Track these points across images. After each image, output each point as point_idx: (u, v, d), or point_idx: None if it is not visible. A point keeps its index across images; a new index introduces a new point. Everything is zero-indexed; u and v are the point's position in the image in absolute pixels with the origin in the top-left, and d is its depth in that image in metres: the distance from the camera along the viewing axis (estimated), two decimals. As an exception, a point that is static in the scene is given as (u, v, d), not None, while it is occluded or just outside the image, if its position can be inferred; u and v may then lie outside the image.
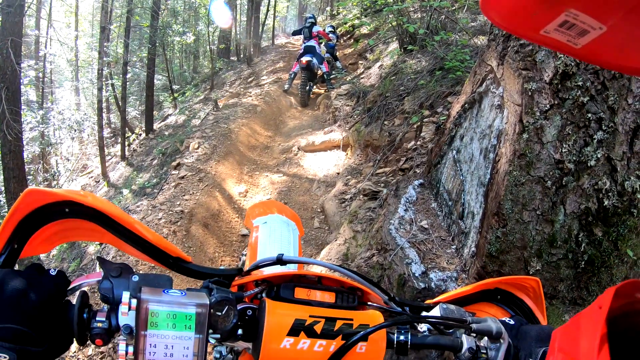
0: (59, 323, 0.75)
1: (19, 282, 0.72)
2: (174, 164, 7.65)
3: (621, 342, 0.54)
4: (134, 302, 0.76)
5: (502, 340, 0.89)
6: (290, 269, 1.14)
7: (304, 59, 10.00)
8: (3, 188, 7.98)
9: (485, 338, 0.91)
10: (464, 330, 0.92)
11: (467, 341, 0.90)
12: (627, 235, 2.34)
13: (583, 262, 2.36)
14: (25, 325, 0.69)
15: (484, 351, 0.90)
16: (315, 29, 11.13)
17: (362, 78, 9.42)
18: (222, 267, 1.00)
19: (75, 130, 16.56)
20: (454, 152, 3.19)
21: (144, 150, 11.41)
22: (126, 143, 12.10)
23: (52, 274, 0.79)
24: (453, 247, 2.99)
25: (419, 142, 5.05)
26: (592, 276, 2.40)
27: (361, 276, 0.97)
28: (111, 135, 16.55)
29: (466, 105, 3.07)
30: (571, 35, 0.44)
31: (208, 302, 0.80)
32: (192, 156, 7.73)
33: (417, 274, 2.78)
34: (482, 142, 2.74)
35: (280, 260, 0.99)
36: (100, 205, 0.83)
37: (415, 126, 5.28)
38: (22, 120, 8.09)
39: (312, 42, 10.68)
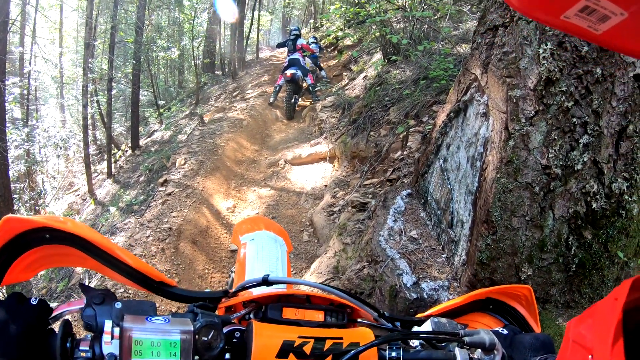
0: (41, 353, 0.74)
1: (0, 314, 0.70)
2: (161, 180, 7.59)
3: (635, 335, 0.54)
4: (117, 330, 0.74)
5: (495, 352, 0.88)
6: (279, 288, 1.13)
7: (289, 72, 10.04)
8: (-11, 207, 7.87)
9: (479, 350, 0.89)
10: (457, 344, 0.91)
11: (460, 354, 0.89)
12: (616, 237, 2.36)
13: (574, 266, 2.37)
14: (7, 356, 0.68)
15: None
16: (299, 42, 11.19)
17: (346, 89, 9.45)
18: (207, 290, 0.98)
19: (60, 148, 16.44)
20: (441, 161, 3.19)
21: (130, 167, 11.33)
22: (112, 160, 12.02)
23: (33, 303, 0.77)
24: (443, 256, 2.99)
25: (405, 152, 5.05)
26: (584, 279, 2.41)
27: (348, 294, 0.96)
28: (97, 152, 16.42)
29: (451, 114, 3.08)
30: (592, 21, 0.43)
31: (192, 329, 0.78)
32: (179, 172, 7.68)
33: (408, 285, 2.77)
34: (469, 150, 2.74)
35: (266, 281, 0.98)
36: (80, 232, 0.82)
37: (401, 136, 5.29)
38: (7, 138, 8.00)
39: (296, 55, 10.75)
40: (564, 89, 2.19)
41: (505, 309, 1.09)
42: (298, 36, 11.52)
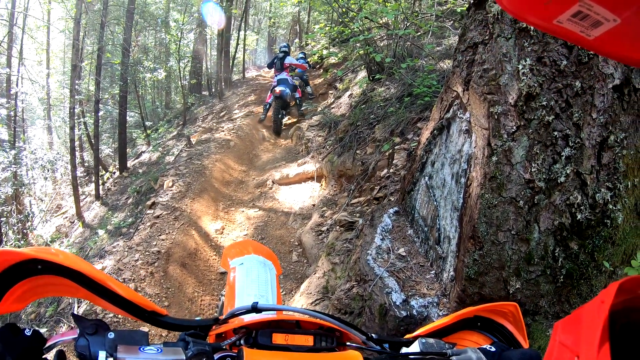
0: None
1: None
2: (149, 202, 7.55)
3: (621, 337, 0.54)
4: None
5: None
6: (269, 314, 1.14)
7: (278, 89, 10.28)
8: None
9: None
10: None
11: None
12: (602, 246, 2.38)
13: (562, 277, 2.38)
14: None
15: None
16: (287, 60, 11.40)
17: (332, 108, 9.52)
18: (198, 318, 1.00)
19: (48, 170, 16.36)
20: (427, 178, 3.21)
21: (118, 189, 11.27)
22: (100, 182, 11.96)
23: (27, 334, 0.79)
24: (432, 272, 2.99)
25: (391, 170, 5.08)
26: (572, 289, 2.43)
27: (336, 318, 0.97)
28: (85, 174, 16.32)
29: (435, 131, 3.11)
30: (584, 26, 0.44)
31: (184, 358, 0.80)
32: (167, 194, 7.64)
33: (397, 303, 2.76)
34: (453, 167, 2.76)
35: (255, 309, 0.99)
36: (71, 264, 0.83)
37: (387, 154, 5.32)
38: (-6, 160, 7.95)
39: (284, 75, 10.96)
40: (544, 103, 2.22)
41: (494, 326, 1.10)
42: (287, 53, 11.74)
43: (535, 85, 2.22)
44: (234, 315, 1.02)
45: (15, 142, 14.43)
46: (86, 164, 17.02)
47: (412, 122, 5.56)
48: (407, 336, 1.06)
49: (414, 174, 3.46)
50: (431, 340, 0.99)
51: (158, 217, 6.91)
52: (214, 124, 12.07)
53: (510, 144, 2.28)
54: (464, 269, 2.45)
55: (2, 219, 10.54)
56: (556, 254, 2.36)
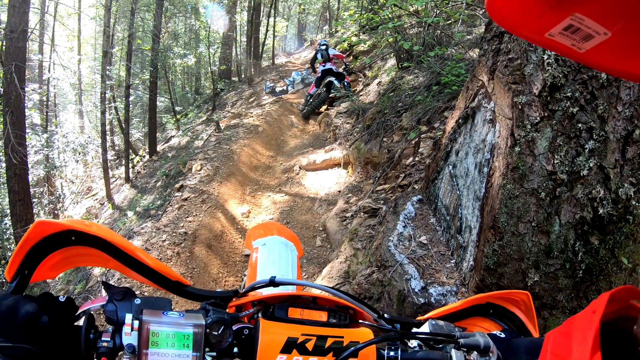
0: (66, 345, 0.81)
1: (31, 307, 0.77)
2: (177, 185, 7.70)
3: (613, 346, 0.55)
4: (137, 323, 0.83)
5: (490, 354, 0.90)
6: (288, 289, 1.19)
7: (329, 79, 10.49)
8: (9, 211, 8.05)
9: (475, 352, 0.92)
10: (454, 345, 0.93)
11: (456, 356, 0.92)
12: (623, 243, 2.34)
13: (581, 271, 2.36)
14: (35, 345, 0.74)
15: None
16: (331, 52, 11.44)
17: (361, 95, 9.48)
18: (219, 290, 1.05)
19: (79, 153, 16.71)
20: (450, 167, 3.21)
21: (147, 172, 11.48)
22: (130, 165, 12.19)
23: (61, 300, 0.85)
24: (452, 261, 3.00)
25: (417, 158, 5.07)
26: (591, 285, 2.40)
27: (350, 296, 1.01)
28: (115, 157, 16.67)
29: (460, 120, 3.10)
30: (576, 40, 0.44)
31: (204, 323, 0.86)
32: (195, 178, 7.77)
33: (416, 290, 2.79)
34: (477, 156, 2.76)
35: (273, 282, 1.04)
36: (103, 234, 0.89)
37: (413, 142, 5.31)
38: (27, 143, 8.18)
39: (329, 65, 11.04)
40: (569, 94, 2.19)
41: (505, 313, 1.11)
42: (327, 47, 11.72)
43: (560, 75, 2.19)
44: (253, 288, 1.06)
45: (47, 126, 14.81)
46: (116, 148, 17.37)
47: (439, 111, 5.52)
48: (419, 318, 1.08)
49: (438, 162, 3.46)
50: (441, 322, 1.01)
51: (186, 199, 7.05)
52: (243, 110, 12.16)
53: (534, 134, 2.26)
54: (484, 259, 2.46)
55: (34, 200, 10.85)
56: (576, 248, 2.34)
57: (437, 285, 2.80)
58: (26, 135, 7.84)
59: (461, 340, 0.91)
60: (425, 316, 1.09)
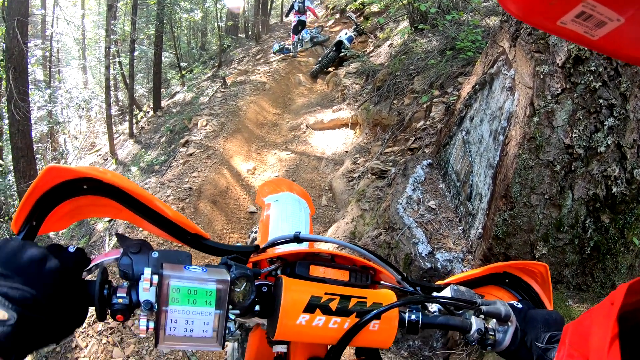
0: (74, 300, 0.75)
1: (37, 251, 0.71)
2: (182, 141, 7.68)
3: (631, 338, 0.54)
4: (156, 278, 0.76)
5: (509, 323, 0.90)
6: (304, 247, 1.16)
7: (338, 39, 10.77)
8: (12, 167, 8.03)
9: (494, 320, 0.92)
10: (473, 312, 0.93)
11: (476, 322, 0.92)
12: (634, 224, 2.34)
13: (589, 248, 2.37)
14: (36, 290, 0.67)
15: (492, 333, 0.91)
16: (307, 4, 11.94)
17: (371, 56, 9.33)
18: (239, 244, 1.01)
19: (83, 109, 16.59)
20: (464, 133, 3.19)
21: (152, 128, 11.42)
22: (134, 121, 12.12)
23: (71, 250, 0.78)
24: (460, 228, 3.01)
25: (428, 122, 5.03)
26: (597, 262, 2.41)
27: (377, 255, 0.98)
28: (119, 113, 16.57)
29: (477, 86, 3.06)
30: (588, 27, 0.43)
31: (229, 278, 0.80)
32: (200, 133, 7.74)
33: (423, 254, 2.81)
34: (492, 123, 2.73)
35: (297, 238, 1.00)
36: (119, 182, 0.83)
37: (424, 106, 5.26)
38: (30, 99, 8.10)
39: (304, 17, 11.83)
40: (592, 68, 2.16)
41: (521, 284, 1.10)
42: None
43: (586, 48, 2.15)
44: (274, 243, 1.02)
45: (50, 82, 14.67)
46: (120, 103, 17.24)
47: (453, 76, 5.44)
48: (439, 282, 1.07)
49: (451, 127, 3.43)
50: (462, 288, 1.00)
51: (191, 155, 7.04)
52: (250, 67, 12.02)
53: (554, 106, 2.24)
54: (493, 228, 2.47)
55: (37, 156, 10.84)
56: (586, 225, 2.34)
57: (444, 251, 2.82)
58: (29, 91, 7.74)
59: (483, 307, 0.91)
60: (445, 281, 1.09)
